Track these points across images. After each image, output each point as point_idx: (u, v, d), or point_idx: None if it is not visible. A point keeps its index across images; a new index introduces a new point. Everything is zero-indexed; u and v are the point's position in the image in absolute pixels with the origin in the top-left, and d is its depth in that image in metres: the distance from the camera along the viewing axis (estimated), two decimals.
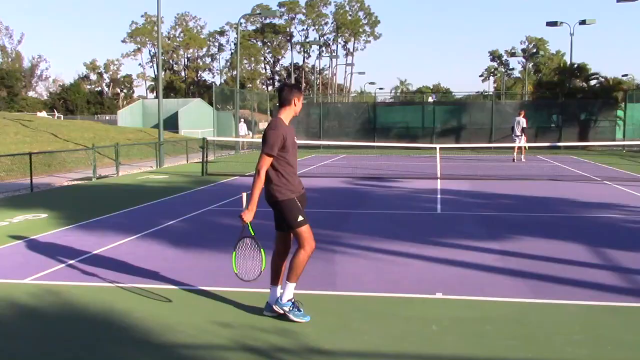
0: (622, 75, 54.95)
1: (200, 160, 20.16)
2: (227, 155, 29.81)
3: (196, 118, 53.63)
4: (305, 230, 5.35)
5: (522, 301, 6.03)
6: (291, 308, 5.36)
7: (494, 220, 11.02)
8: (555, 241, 8.92)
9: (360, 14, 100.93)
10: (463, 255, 7.98)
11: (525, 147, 25.74)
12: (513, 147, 25.69)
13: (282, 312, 5.36)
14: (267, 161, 5.35)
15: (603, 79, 38.47)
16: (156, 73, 78.60)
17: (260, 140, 5.39)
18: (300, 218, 5.35)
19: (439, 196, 14.02)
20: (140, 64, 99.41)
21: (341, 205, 12.96)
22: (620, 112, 35.12)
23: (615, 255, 7.96)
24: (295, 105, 5.51)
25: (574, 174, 19.35)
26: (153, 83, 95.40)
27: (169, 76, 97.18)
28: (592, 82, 39.31)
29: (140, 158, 27.12)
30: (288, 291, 5.37)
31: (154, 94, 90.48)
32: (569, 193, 14.52)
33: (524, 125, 24.91)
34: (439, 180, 17.20)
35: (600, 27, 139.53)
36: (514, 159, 25.25)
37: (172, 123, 50.39)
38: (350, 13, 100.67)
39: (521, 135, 24.82)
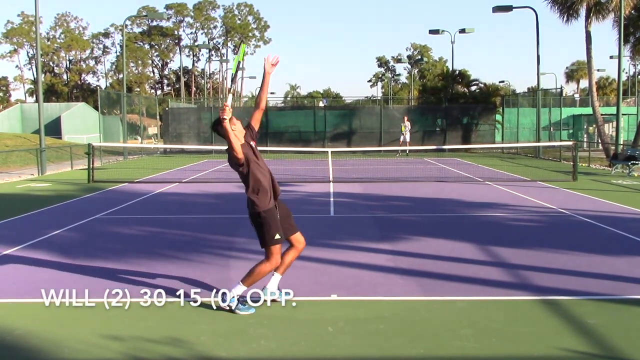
0: (499, 82, 58.36)
1: (86, 167, 19.32)
2: (114, 162, 28.77)
3: (81, 123, 51.41)
4: None
5: (413, 299, 6.23)
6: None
7: (385, 221, 11.32)
8: (443, 240, 9.29)
9: (250, 18, 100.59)
10: (357, 257, 8.13)
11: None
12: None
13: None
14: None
15: (482, 85, 40.61)
16: (35, 76, 74.64)
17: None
18: None
19: (331, 199, 14.22)
20: (17, 66, 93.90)
21: (235, 211, 12.84)
22: (498, 117, 37.20)
23: (498, 252, 8.41)
24: (229, 129, 5.97)
25: (458, 176, 20.25)
26: (32, 86, 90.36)
27: (49, 79, 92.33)
28: (473, 88, 41.39)
29: (20, 165, 25.62)
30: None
31: (34, 97, 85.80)
32: (454, 194, 15.18)
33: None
34: (331, 184, 17.45)
35: (479, 36, 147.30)
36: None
37: (54, 128, 47.97)
38: (239, 17, 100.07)
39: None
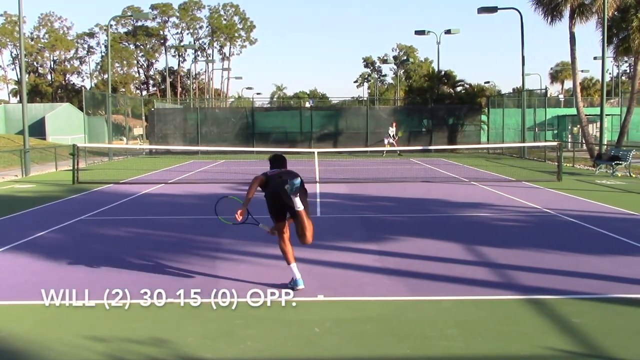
0: (485, 82, 58.52)
1: (71, 168, 19.18)
2: (100, 163, 28.59)
3: (65, 124, 50.99)
4: None
5: (400, 299, 6.25)
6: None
7: (372, 221, 11.34)
8: (429, 240, 9.32)
9: (236, 18, 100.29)
10: (344, 257, 8.14)
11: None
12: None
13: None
14: None
15: (468, 86, 40.75)
16: (19, 76, 73.95)
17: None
18: None
19: (318, 200, 14.21)
20: (0, 66, 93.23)
21: (221, 212, 12.78)
22: (484, 117, 37.39)
23: (484, 252, 8.45)
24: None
25: (444, 176, 20.33)
26: (16, 86, 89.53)
27: (33, 79, 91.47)
28: (458, 89, 41.50)
29: (3, 167, 25.38)
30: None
31: (17, 98, 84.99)
32: (441, 194, 15.23)
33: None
34: (317, 184, 17.43)
35: (464, 37, 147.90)
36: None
37: (38, 129, 47.56)
38: (225, 17, 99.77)
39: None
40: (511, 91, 67.31)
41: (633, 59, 28.97)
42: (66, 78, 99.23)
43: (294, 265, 6.64)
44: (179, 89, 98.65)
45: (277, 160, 7.49)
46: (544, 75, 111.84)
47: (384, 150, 31.61)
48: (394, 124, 33.89)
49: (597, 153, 24.11)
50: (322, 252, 8.42)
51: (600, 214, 11.87)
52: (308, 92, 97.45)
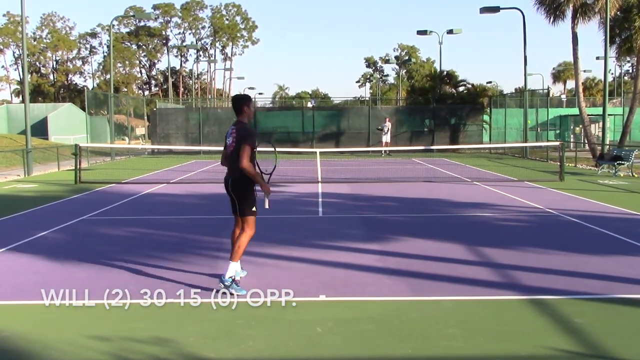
0: (487, 82, 58.47)
1: (73, 168, 19.19)
2: (102, 163, 28.61)
3: (67, 124, 51.01)
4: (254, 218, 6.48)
5: (401, 299, 6.24)
6: (230, 284, 6.22)
7: (374, 221, 11.33)
8: (431, 240, 9.31)
9: (238, 18, 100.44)
10: (345, 257, 8.13)
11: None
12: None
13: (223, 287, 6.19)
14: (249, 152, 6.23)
15: (470, 86, 40.69)
16: (21, 76, 74.04)
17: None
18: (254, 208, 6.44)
19: (320, 199, 14.22)
20: (3, 66, 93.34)
21: (223, 211, 12.79)
22: (486, 117, 37.35)
23: (485, 252, 8.43)
24: (246, 111, 6.51)
25: (446, 176, 20.31)
26: (18, 87, 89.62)
27: (36, 79, 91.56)
28: (461, 89, 41.43)
29: (6, 166, 25.42)
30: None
31: (20, 98, 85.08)
32: (442, 194, 15.22)
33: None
34: (319, 184, 17.44)
35: (466, 37, 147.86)
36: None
37: (41, 129, 47.61)
38: (227, 18, 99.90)
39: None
40: (513, 91, 67.30)
41: (636, 58, 28.96)
42: (68, 78, 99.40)
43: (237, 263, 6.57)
44: (181, 89, 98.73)
45: (233, 106, 6.67)
46: (546, 75, 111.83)
47: (382, 150, 31.77)
48: (387, 119, 34.04)
49: (599, 153, 24.07)
50: (324, 252, 8.42)
51: (603, 214, 11.85)
52: (310, 92, 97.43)
